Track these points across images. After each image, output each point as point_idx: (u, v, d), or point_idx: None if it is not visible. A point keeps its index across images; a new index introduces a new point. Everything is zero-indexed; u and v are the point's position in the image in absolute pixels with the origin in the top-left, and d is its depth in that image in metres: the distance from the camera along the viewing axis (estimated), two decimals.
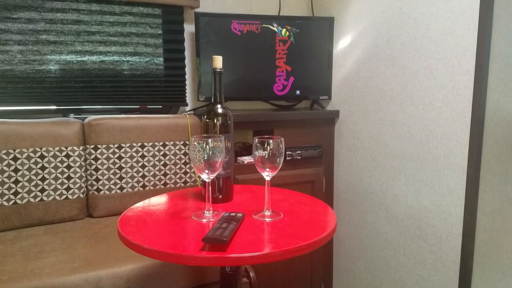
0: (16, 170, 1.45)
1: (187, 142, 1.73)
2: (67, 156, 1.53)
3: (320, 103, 2.07)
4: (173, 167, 1.70)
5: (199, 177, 1.75)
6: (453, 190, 1.36)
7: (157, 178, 1.67)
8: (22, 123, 1.49)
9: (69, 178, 1.53)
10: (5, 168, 1.44)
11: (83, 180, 1.57)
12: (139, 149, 1.64)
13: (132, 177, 1.63)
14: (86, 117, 1.64)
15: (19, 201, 1.46)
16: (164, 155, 1.68)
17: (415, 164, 1.51)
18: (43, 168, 1.49)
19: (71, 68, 1.70)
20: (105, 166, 1.59)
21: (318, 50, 1.93)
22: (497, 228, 1.31)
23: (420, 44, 1.46)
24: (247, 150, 1.96)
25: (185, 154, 1.72)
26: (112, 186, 1.60)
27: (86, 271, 1.14)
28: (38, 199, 1.49)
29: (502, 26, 1.20)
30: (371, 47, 1.71)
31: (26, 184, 1.47)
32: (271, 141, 0.93)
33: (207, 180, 0.96)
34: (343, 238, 1.98)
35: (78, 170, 1.55)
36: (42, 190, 1.49)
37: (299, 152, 1.86)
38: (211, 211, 0.99)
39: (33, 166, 1.48)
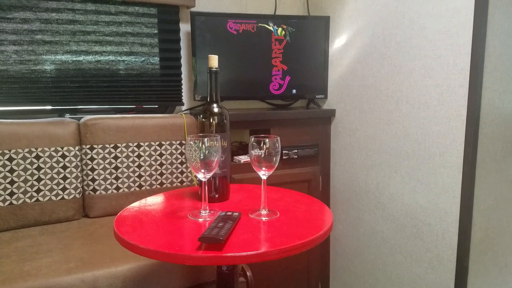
0: (11, 171, 1.45)
1: (184, 142, 1.72)
2: (63, 156, 1.52)
3: (316, 102, 2.08)
4: (169, 166, 1.69)
5: (196, 176, 1.75)
6: (449, 188, 1.37)
7: (154, 177, 1.67)
8: (17, 123, 1.48)
9: (65, 178, 1.53)
10: (1, 169, 1.43)
11: (79, 180, 1.57)
12: (135, 149, 1.63)
13: (128, 177, 1.62)
14: (82, 117, 1.64)
15: (14, 202, 1.45)
16: (161, 154, 1.68)
17: (411, 163, 1.52)
18: (38, 168, 1.48)
19: (66, 68, 1.70)
20: (101, 166, 1.58)
21: (314, 49, 1.93)
22: (493, 226, 1.31)
23: (416, 43, 1.46)
24: (244, 149, 1.96)
25: (181, 153, 1.72)
26: (108, 186, 1.59)
27: (82, 272, 1.14)
28: (34, 199, 1.48)
29: (497, 25, 1.21)
30: (366, 46, 1.71)
31: (22, 184, 1.46)
32: (267, 140, 0.94)
33: (203, 180, 0.96)
34: (339, 237, 1.98)
35: (74, 170, 1.54)
36: (38, 191, 1.49)
37: (296, 151, 1.86)
38: (208, 211, 0.99)
39: (28, 166, 1.47)
